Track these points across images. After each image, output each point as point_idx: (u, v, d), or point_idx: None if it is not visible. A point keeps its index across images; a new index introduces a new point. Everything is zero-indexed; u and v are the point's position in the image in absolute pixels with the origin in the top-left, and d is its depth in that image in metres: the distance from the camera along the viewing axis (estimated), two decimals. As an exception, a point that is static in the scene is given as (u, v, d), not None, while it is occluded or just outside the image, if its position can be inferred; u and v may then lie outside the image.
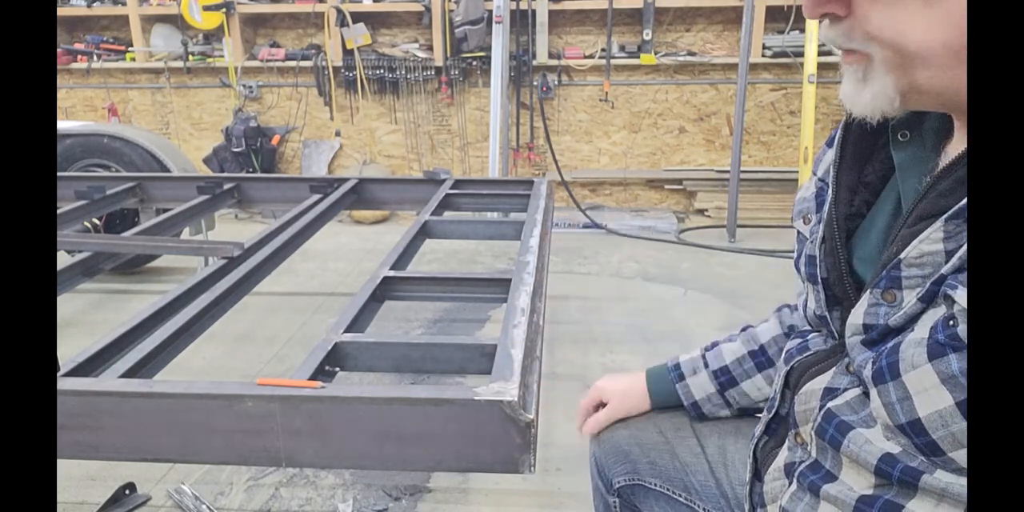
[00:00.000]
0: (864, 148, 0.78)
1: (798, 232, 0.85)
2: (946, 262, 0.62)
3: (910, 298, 0.64)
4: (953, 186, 0.63)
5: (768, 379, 1.03)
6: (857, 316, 0.70)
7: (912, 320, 0.65)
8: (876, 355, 0.67)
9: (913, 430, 0.63)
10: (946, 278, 0.61)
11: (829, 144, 0.84)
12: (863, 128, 0.76)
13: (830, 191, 0.78)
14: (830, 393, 0.73)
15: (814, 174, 0.86)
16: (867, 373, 0.67)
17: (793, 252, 0.87)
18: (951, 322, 0.60)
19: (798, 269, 0.84)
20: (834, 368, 0.75)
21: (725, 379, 1.05)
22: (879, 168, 0.77)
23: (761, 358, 1.04)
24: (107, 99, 4.82)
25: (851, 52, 0.67)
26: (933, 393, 0.61)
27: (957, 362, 0.59)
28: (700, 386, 1.06)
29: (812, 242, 0.80)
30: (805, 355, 0.81)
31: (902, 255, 0.65)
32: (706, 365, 1.07)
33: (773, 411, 0.85)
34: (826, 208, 0.78)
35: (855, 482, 0.69)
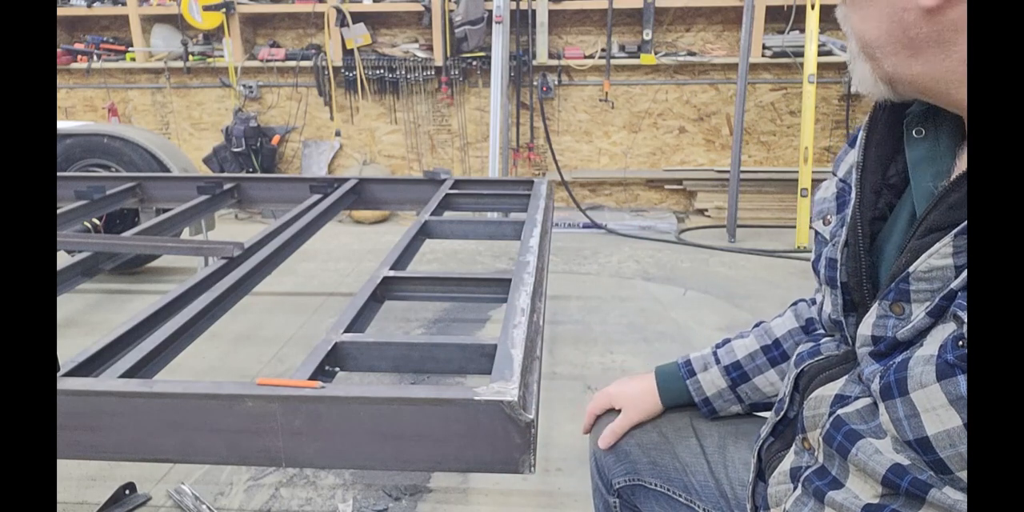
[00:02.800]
0: (888, 149, 0.76)
1: (817, 233, 0.84)
2: (955, 277, 0.61)
3: (919, 312, 0.64)
4: (963, 199, 0.62)
5: (782, 374, 1.01)
6: (866, 327, 0.69)
7: (921, 334, 0.64)
8: (884, 369, 0.66)
9: (921, 447, 0.63)
10: (956, 294, 0.60)
11: (851, 144, 0.82)
12: (887, 128, 0.75)
13: (854, 194, 0.76)
14: (841, 400, 0.72)
15: (834, 174, 0.84)
16: (875, 387, 0.66)
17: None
18: (960, 342, 0.59)
19: (816, 272, 0.82)
20: (846, 376, 0.74)
21: (737, 375, 1.03)
22: (902, 169, 0.75)
23: (775, 353, 1.02)
24: (107, 99, 4.82)
25: None
26: (941, 413, 0.60)
27: (965, 383, 0.58)
28: (711, 382, 1.04)
29: (833, 245, 0.78)
30: (816, 359, 0.80)
31: (911, 268, 0.64)
32: (717, 361, 1.05)
33: (781, 413, 0.84)
34: (849, 210, 0.76)
35: (861, 490, 0.68)
